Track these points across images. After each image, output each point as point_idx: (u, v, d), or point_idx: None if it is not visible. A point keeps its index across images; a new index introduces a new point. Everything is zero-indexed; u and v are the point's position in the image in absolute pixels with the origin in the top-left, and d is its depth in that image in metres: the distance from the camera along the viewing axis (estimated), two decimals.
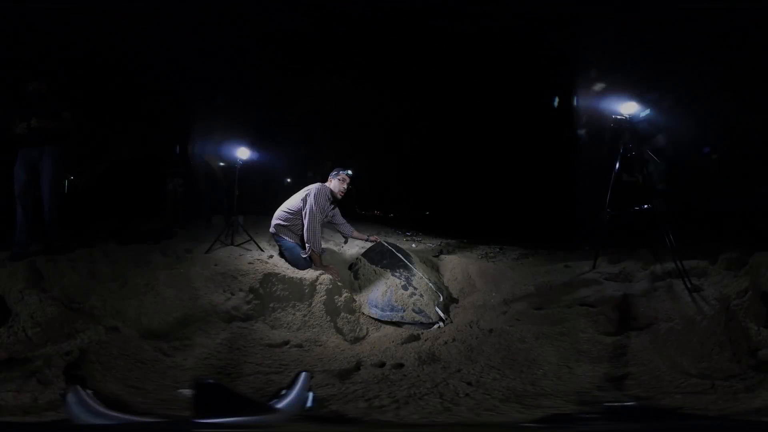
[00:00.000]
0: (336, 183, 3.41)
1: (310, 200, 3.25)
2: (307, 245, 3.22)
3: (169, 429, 1.18)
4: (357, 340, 2.70)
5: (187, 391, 1.50)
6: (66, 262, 2.86)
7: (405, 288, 2.95)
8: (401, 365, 1.79)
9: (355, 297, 3.06)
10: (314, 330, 2.60)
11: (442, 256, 4.27)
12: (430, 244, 5.32)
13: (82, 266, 2.80)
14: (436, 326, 2.77)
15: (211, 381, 1.41)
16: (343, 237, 3.80)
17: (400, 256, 3.33)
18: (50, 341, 1.80)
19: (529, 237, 5.31)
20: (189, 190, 5.53)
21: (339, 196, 3.45)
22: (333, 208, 3.50)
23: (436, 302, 2.97)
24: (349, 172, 3.45)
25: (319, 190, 3.31)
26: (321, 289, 2.91)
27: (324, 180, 3.46)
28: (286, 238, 3.33)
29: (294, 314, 2.70)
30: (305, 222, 3.23)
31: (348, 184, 3.45)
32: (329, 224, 3.63)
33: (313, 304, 2.82)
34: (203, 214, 5.55)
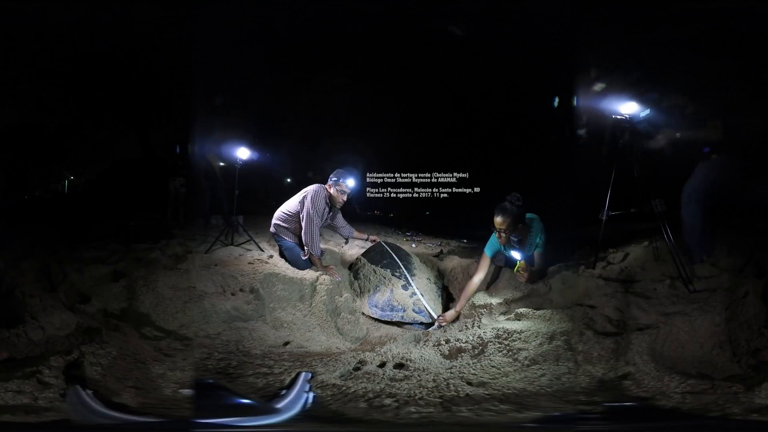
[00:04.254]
0: (335, 192, 3.26)
1: (307, 204, 3.18)
2: (305, 248, 3.20)
3: (169, 429, 1.18)
4: (357, 340, 2.70)
5: (187, 391, 1.50)
6: (66, 263, 2.87)
7: (405, 288, 2.95)
8: (402, 365, 1.79)
9: (355, 297, 3.06)
10: (314, 330, 2.60)
11: (442, 256, 4.27)
12: (430, 244, 5.32)
13: (83, 266, 2.81)
14: (436, 326, 2.77)
15: (211, 381, 1.42)
16: (344, 238, 3.80)
17: (400, 257, 3.32)
18: (50, 341, 1.80)
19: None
20: (190, 190, 5.53)
21: (338, 206, 3.35)
22: (333, 213, 3.44)
23: (435, 302, 2.97)
24: (350, 182, 3.29)
25: (316, 193, 3.23)
26: (321, 289, 2.91)
27: (324, 181, 3.39)
28: (286, 238, 3.32)
29: (294, 314, 2.70)
30: (303, 226, 3.19)
31: (348, 195, 3.32)
32: (329, 226, 3.60)
33: (314, 305, 2.82)
34: (203, 214, 5.54)
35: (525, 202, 2.73)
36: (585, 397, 1.43)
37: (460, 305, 2.74)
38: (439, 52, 8.22)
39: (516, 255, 2.83)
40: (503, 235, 2.71)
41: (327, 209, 3.32)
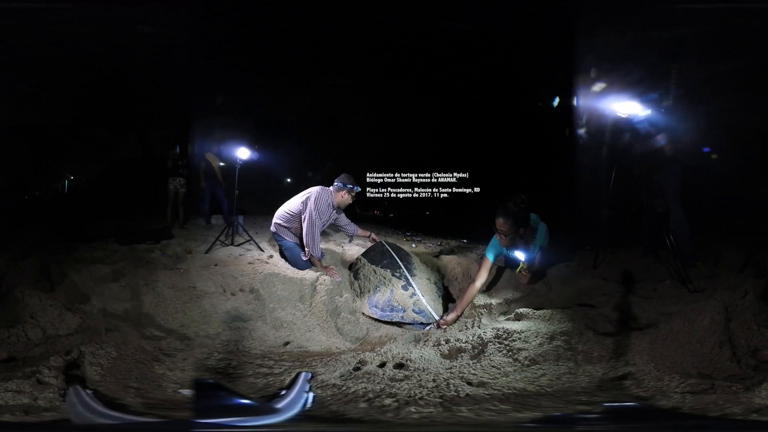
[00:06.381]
0: (341, 196, 3.31)
1: (310, 205, 3.18)
2: (306, 250, 3.20)
3: (169, 429, 1.18)
4: (357, 340, 2.70)
5: (187, 391, 1.50)
6: (66, 263, 2.87)
7: (405, 288, 2.95)
8: (402, 365, 1.79)
9: (355, 297, 3.06)
10: (314, 330, 2.60)
11: (442, 256, 4.27)
12: (430, 244, 5.32)
13: (83, 266, 2.81)
14: (434, 325, 2.76)
15: (211, 381, 1.42)
16: (347, 236, 3.80)
17: (400, 257, 3.32)
18: (50, 341, 1.80)
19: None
20: (190, 190, 5.53)
21: (342, 207, 3.39)
22: (336, 213, 3.45)
23: (436, 302, 2.97)
24: (359, 188, 3.38)
25: (320, 195, 3.23)
26: (321, 289, 2.91)
27: (323, 182, 3.39)
28: (286, 238, 3.32)
29: (294, 314, 2.70)
30: (304, 227, 3.19)
31: (353, 197, 3.39)
32: (333, 225, 3.61)
33: (314, 305, 2.82)
34: (203, 214, 5.55)
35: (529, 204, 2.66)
36: (585, 397, 1.43)
37: (460, 308, 2.66)
38: (439, 52, 8.22)
39: (520, 256, 2.73)
40: (504, 237, 2.62)
41: (331, 212, 3.34)
